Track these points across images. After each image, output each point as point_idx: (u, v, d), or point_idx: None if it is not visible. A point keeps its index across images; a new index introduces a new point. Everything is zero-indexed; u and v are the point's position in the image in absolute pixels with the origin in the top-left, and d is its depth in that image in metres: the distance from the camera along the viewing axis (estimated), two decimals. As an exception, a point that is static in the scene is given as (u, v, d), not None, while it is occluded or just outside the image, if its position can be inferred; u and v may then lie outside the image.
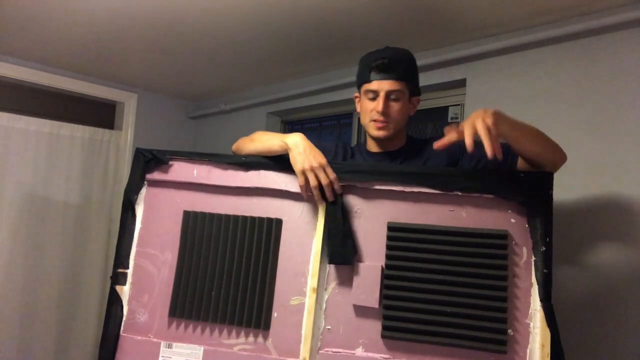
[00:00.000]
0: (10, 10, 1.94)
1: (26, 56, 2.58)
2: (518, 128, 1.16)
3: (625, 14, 1.54)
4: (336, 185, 1.25)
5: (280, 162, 1.36)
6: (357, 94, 1.49)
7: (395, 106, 1.38)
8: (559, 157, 1.25)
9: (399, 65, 1.37)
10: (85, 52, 2.45)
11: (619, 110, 1.57)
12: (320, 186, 1.25)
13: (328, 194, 1.25)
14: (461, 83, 2.03)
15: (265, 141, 1.39)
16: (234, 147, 1.53)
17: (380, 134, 1.40)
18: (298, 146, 1.28)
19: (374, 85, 1.37)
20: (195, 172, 1.42)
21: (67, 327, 2.83)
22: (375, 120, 1.39)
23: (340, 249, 1.25)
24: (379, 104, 1.36)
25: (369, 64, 1.39)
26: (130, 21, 1.99)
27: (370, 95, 1.39)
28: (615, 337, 1.51)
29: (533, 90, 1.78)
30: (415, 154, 1.45)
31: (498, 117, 1.09)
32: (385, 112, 1.37)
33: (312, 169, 1.24)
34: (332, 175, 1.25)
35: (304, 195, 1.29)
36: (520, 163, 1.28)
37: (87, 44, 2.32)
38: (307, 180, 1.26)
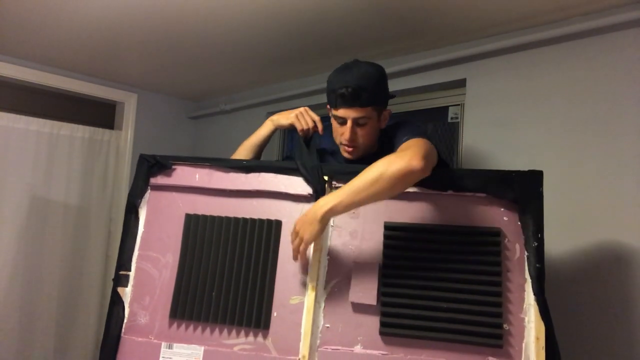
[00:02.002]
0: (11, 10, 1.94)
1: (26, 56, 2.58)
2: (352, 202, 1.19)
3: (625, 14, 1.54)
4: (320, 126, 1.55)
5: (279, 164, 1.41)
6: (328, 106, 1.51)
7: (362, 131, 1.41)
8: (404, 180, 1.20)
9: (363, 92, 1.35)
10: (85, 52, 2.45)
11: (619, 110, 1.57)
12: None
13: (319, 127, 1.55)
14: (461, 83, 2.03)
15: (253, 136, 1.61)
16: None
17: (349, 157, 1.47)
18: (279, 114, 1.60)
19: (341, 112, 1.39)
20: (197, 176, 1.45)
21: (67, 327, 2.83)
22: (344, 144, 1.44)
23: (316, 178, 1.35)
24: (346, 132, 1.40)
25: (335, 90, 1.38)
26: (130, 21, 1.99)
27: (339, 120, 1.42)
28: (615, 337, 1.51)
29: (533, 90, 1.78)
30: (386, 150, 1.47)
31: (321, 221, 1.20)
32: (352, 139, 1.41)
33: (302, 115, 1.55)
34: (316, 117, 1.55)
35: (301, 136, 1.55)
36: None
37: (87, 44, 2.32)
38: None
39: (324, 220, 1.21)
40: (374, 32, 1.97)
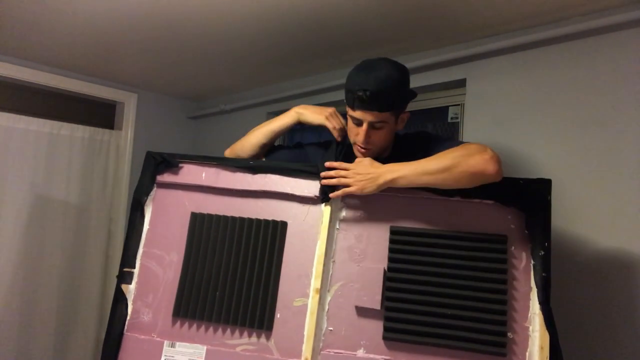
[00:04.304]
0: (11, 10, 1.94)
1: (26, 56, 2.57)
2: (415, 180, 1.23)
3: (625, 14, 1.54)
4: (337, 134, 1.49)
5: (286, 166, 1.40)
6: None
7: (377, 134, 1.38)
8: (473, 179, 1.21)
9: (381, 97, 1.31)
10: (85, 52, 2.45)
11: (619, 110, 1.57)
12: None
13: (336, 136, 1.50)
14: (461, 83, 2.03)
15: (272, 122, 1.57)
16: (228, 152, 1.58)
17: (362, 157, 1.43)
18: (307, 108, 1.54)
19: (357, 114, 1.35)
20: (204, 175, 1.44)
21: (67, 327, 2.84)
22: (358, 145, 1.42)
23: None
24: (361, 134, 1.37)
25: (353, 91, 1.33)
26: (130, 21, 1.99)
27: (355, 120, 1.39)
28: (615, 340, 1.52)
29: (533, 90, 1.78)
30: (402, 157, 1.47)
31: (379, 185, 1.25)
32: (366, 141, 1.38)
33: (332, 115, 1.51)
34: (343, 121, 1.51)
35: (337, 137, 1.52)
36: None
37: (87, 44, 2.32)
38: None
39: (382, 186, 1.25)
40: (374, 32, 1.97)
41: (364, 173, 1.27)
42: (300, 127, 2.93)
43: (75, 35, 2.19)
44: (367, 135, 1.36)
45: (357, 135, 1.39)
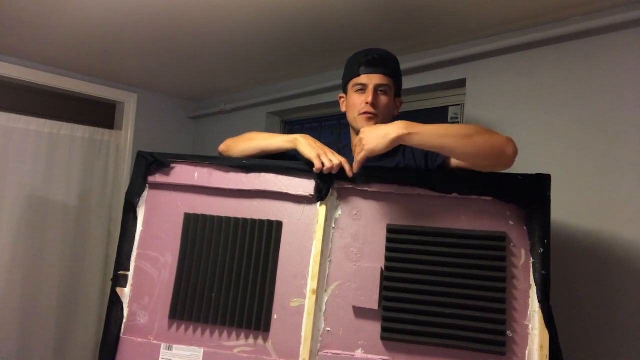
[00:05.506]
0: (10, 10, 1.94)
1: (26, 56, 2.58)
2: (429, 140, 1.18)
3: (625, 14, 1.54)
4: (347, 167, 1.29)
5: (280, 164, 1.38)
6: (341, 95, 1.57)
7: (383, 99, 1.44)
8: (491, 155, 1.18)
9: (387, 61, 1.46)
10: (85, 52, 2.45)
11: (619, 110, 1.57)
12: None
13: (347, 169, 1.29)
14: (461, 83, 2.03)
15: (268, 138, 1.44)
16: (222, 147, 1.54)
17: (370, 125, 1.41)
18: (307, 138, 1.37)
19: (363, 79, 1.44)
20: (196, 175, 1.43)
21: (67, 327, 2.84)
22: (364, 113, 1.43)
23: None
24: (369, 95, 1.42)
25: (359, 60, 1.45)
26: (130, 21, 1.99)
27: (359, 88, 1.45)
28: (615, 337, 1.51)
29: (533, 90, 1.78)
30: (397, 151, 1.46)
31: (391, 140, 1.17)
32: (374, 104, 1.42)
33: (325, 155, 1.30)
34: (343, 159, 1.30)
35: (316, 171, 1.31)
36: (454, 162, 1.29)
37: (87, 44, 2.32)
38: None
39: (394, 142, 1.17)
40: (374, 32, 1.96)
41: (375, 131, 1.20)
42: (300, 127, 2.92)
43: (75, 35, 2.19)
44: (374, 97, 1.42)
45: (361, 104, 1.44)
